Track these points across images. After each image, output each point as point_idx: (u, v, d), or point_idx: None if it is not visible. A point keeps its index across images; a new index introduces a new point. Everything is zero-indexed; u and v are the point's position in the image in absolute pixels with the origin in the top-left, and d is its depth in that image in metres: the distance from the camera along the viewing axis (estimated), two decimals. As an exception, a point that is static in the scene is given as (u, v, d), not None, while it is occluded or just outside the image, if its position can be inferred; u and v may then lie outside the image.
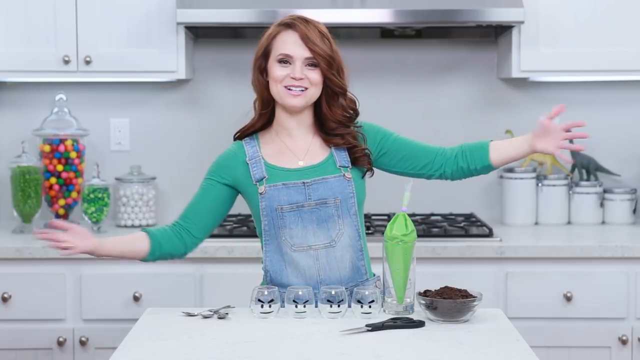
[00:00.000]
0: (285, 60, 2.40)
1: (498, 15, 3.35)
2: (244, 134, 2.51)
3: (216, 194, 2.48)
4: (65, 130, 3.64)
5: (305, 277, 2.40)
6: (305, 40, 2.39)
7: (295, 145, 2.46)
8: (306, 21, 2.42)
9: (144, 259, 2.45)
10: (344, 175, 2.42)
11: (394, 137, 2.51)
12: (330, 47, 2.42)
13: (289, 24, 2.41)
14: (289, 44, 2.40)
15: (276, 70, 2.40)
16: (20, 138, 3.69)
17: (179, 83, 3.80)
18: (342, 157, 2.44)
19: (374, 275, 2.51)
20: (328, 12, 3.32)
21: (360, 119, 2.51)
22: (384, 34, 3.77)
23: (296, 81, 2.39)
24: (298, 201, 2.40)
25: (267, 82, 2.44)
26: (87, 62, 3.46)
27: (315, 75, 2.40)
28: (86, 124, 3.75)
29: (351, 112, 2.47)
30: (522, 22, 3.37)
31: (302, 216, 2.40)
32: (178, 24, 3.38)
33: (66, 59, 3.46)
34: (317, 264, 2.40)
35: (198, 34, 3.73)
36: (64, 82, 3.71)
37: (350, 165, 2.44)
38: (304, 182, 2.40)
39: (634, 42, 3.49)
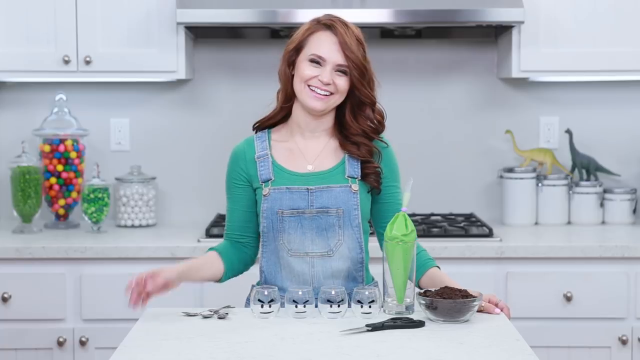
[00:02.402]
0: (316, 61, 2.35)
1: (498, 15, 3.35)
2: (263, 125, 2.47)
3: (243, 198, 2.44)
4: (65, 130, 3.64)
5: (299, 282, 2.39)
6: (343, 46, 2.33)
7: (308, 147, 2.43)
8: (346, 25, 2.37)
9: (220, 281, 2.45)
10: (350, 186, 2.39)
11: (393, 188, 2.45)
12: (364, 56, 2.37)
13: (329, 25, 2.36)
14: (325, 46, 2.35)
15: (305, 69, 2.35)
16: (20, 138, 3.69)
17: (179, 83, 3.80)
18: (353, 168, 2.41)
19: (373, 280, 2.50)
20: (328, 12, 3.31)
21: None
22: (384, 34, 3.77)
23: (323, 85, 2.34)
24: (299, 207, 2.37)
25: (293, 75, 2.39)
26: (87, 62, 3.46)
27: (343, 83, 2.35)
28: (86, 124, 3.75)
29: (377, 123, 2.43)
30: (522, 22, 3.37)
31: (302, 222, 2.38)
32: (178, 24, 3.38)
33: (66, 59, 3.46)
34: (312, 271, 2.39)
35: (198, 34, 3.73)
36: (64, 82, 3.72)
37: (359, 177, 2.41)
38: (307, 189, 2.38)
39: (634, 42, 3.49)
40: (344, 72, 2.36)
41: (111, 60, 3.48)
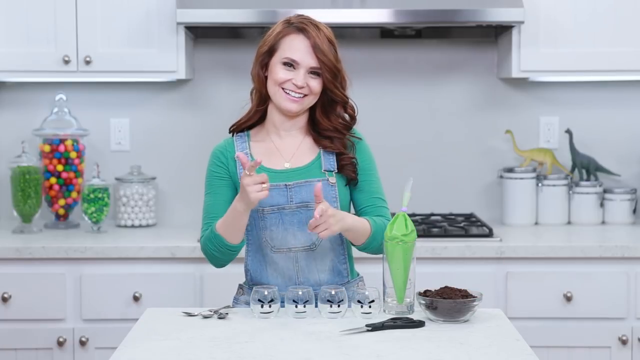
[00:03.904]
0: (289, 64, 2.37)
1: (498, 15, 3.35)
2: (239, 128, 2.49)
3: (227, 192, 2.43)
4: (65, 130, 3.64)
5: (284, 277, 2.41)
6: (315, 49, 2.35)
7: (284, 145, 2.45)
8: (317, 27, 2.38)
9: (237, 248, 2.37)
10: (327, 179, 2.40)
11: (368, 176, 2.45)
12: (336, 57, 2.39)
13: (301, 29, 2.37)
14: (298, 50, 2.37)
15: (279, 72, 2.38)
16: (20, 138, 3.69)
17: (179, 83, 3.80)
18: (329, 161, 2.43)
19: (358, 275, 2.51)
20: (328, 12, 3.32)
21: (360, 120, 2.50)
22: (384, 34, 3.77)
23: (297, 88, 2.37)
24: (279, 203, 2.39)
25: (266, 77, 2.42)
26: (87, 62, 3.46)
27: (316, 84, 2.38)
28: (86, 124, 3.75)
29: (349, 119, 2.46)
30: (522, 22, 3.37)
31: (283, 218, 2.39)
32: (178, 24, 3.38)
33: (66, 59, 3.46)
34: (296, 266, 2.40)
35: (198, 34, 3.73)
36: (64, 82, 3.72)
37: (335, 170, 2.42)
38: (286, 185, 2.39)
39: (634, 42, 3.49)
40: (317, 74, 2.38)
41: (111, 60, 3.48)
